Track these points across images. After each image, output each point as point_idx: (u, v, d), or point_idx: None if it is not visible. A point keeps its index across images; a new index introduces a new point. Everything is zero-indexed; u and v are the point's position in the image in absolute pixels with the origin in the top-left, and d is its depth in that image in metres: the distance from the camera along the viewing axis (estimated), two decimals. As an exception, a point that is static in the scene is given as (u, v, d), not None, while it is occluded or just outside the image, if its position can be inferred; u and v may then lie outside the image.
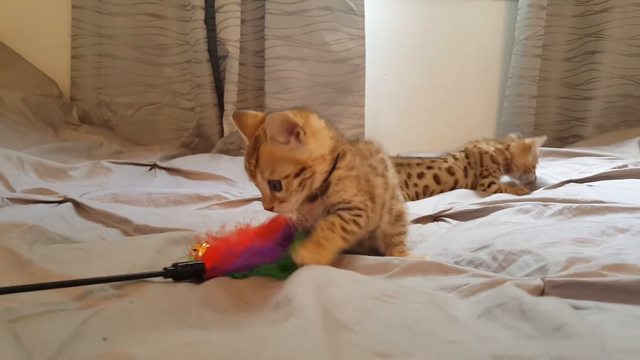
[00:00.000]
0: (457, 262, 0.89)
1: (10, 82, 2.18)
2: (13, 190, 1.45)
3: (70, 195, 1.36)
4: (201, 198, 1.57)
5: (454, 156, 1.82)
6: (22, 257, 0.79)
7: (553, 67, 2.56)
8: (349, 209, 0.90)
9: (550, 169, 1.92)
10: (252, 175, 0.86)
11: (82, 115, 2.36)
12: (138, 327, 0.60)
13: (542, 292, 0.67)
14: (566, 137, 2.56)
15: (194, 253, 0.88)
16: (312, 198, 0.89)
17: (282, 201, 0.85)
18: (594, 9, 2.45)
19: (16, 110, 2.06)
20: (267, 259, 0.86)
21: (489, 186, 1.74)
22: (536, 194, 1.51)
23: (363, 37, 2.40)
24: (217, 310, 0.68)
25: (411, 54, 2.64)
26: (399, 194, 1.05)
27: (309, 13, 2.32)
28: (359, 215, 0.90)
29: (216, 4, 2.25)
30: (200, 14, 2.26)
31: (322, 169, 0.87)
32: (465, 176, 1.78)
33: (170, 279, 0.80)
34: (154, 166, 1.92)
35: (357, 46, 2.40)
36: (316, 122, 0.87)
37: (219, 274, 0.82)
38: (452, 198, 1.56)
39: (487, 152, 1.80)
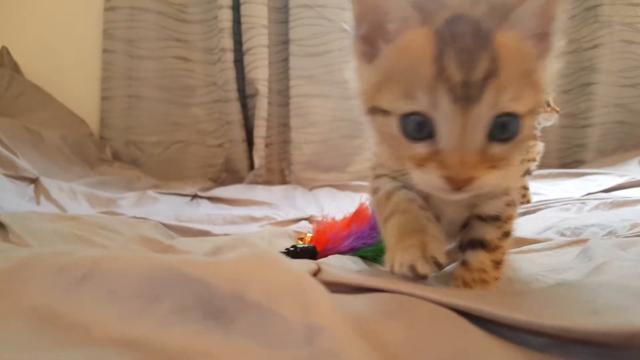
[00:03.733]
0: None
1: (45, 122, 2.25)
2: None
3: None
4: (253, 219, 1.64)
5: None
6: (162, 244, 0.86)
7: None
8: (501, 212, 0.56)
9: (564, 186, 2.02)
10: (467, 97, 0.43)
11: (111, 153, 2.44)
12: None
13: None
14: (569, 162, 2.73)
15: (300, 242, 1.00)
16: None
17: (494, 166, 0.45)
18: (585, 45, 2.68)
19: (55, 148, 2.12)
20: (367, 241, 0.97)
21: None
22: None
23: (380, 75, 2.56)
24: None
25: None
26: None
27: (330, 54, 2.48)
28: (509, 220, 0.58)
29: (244, 47, 2.41)
30: (229, 56, 2.41)
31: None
32: None
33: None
34: (194, 196, 2.02)
35: (375, 83, 2.55)
36: None
37: (328, 255, 0.94)
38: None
39: None
